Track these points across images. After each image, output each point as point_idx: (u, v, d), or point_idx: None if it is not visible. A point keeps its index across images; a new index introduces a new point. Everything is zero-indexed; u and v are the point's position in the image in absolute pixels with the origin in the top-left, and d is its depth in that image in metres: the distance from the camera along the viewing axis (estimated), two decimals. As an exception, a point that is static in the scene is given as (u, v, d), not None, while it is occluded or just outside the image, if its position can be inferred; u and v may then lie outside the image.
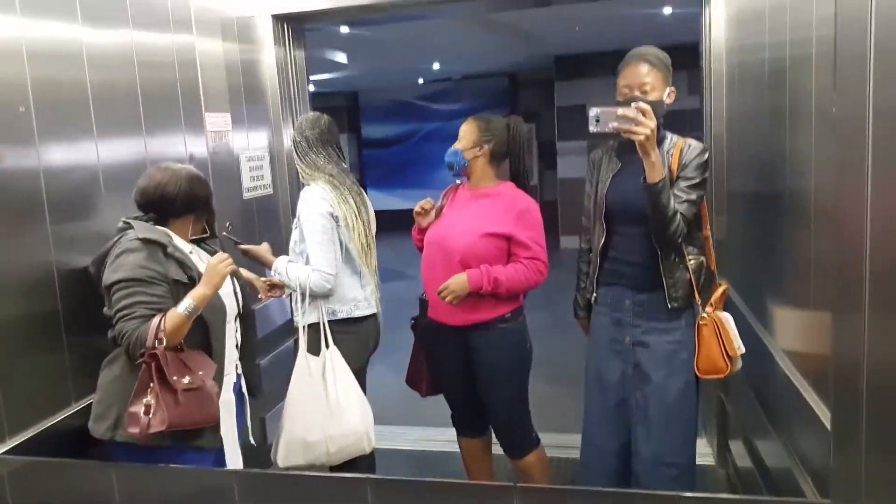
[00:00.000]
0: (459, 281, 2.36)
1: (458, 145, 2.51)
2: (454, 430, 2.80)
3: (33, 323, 1.91)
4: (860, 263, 1.24)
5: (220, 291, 1.96)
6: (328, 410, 2.39)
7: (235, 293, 2.11)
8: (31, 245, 1.91)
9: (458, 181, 2.65)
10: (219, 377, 1.96)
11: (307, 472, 1.45)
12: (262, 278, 2.51)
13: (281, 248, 3.40)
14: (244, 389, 2.19)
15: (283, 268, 2.49)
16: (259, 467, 2.50)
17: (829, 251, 1.42)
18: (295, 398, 2.42)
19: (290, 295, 2.60)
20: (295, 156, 2.60)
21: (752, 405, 2.30)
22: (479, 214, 2.46)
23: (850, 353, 1.27)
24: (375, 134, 11.74)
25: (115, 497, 1.40)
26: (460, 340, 2.51)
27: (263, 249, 2.59)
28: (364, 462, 2.54)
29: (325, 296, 2.48)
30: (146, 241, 1.88)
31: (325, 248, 2.43)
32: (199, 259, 2.03)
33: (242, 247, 2.56)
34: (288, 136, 3.30)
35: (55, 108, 1.99)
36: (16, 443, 1.78)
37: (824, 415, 1.57)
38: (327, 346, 2.46)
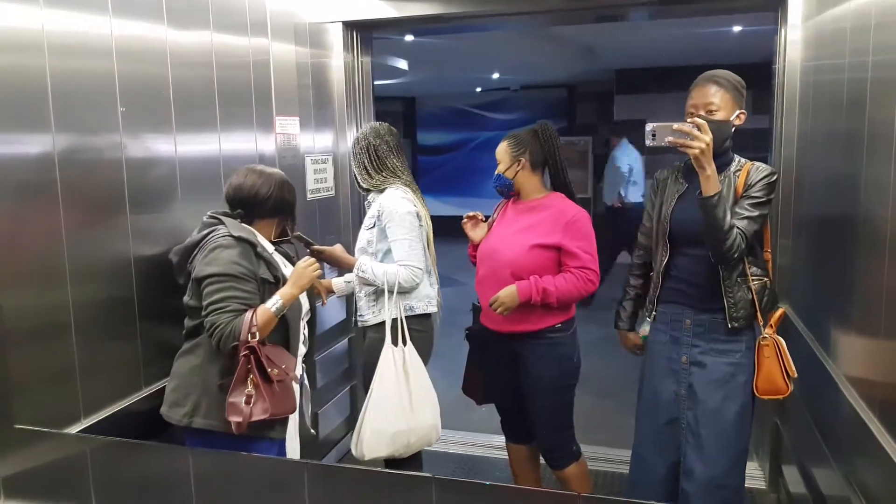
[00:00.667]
0: (509, 293, 2.40)
1: (499, 168, 2.57)
2: (502, 436, 2.83)
3: (111, 310, 2.00)
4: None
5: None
6: (410, 403, 2.47)
7: (309, 295, 2.20)
8: (112, 235, 2.01)
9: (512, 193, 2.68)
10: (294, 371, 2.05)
11: (377, 469, 1.49)
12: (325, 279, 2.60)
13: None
14: (306, 383, 2.26)
15: (369, 266, 2.53)
16: (314, 458, 2.56)
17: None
18: (382, 391, 2.45)
19: (353, 295, 2.68)
20: (366, 159, 2.65)
21: (809, 430, 2.26)
22: (527, 226, 2.51)
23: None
24: (431, 140, 11.81)
25: (190, 481, 1.46)
26: (509, 348, 2.55)
27: (338, 250, 2.62)
28: (411, 461, 2.61)
29: (411, 290, 2.56)
30: (239, 239, 1.96)
31: (413, 244, 2.53)
32: (279, 260, 2.11)
33: (316, 248, 2.57)
34: (351, 141, 3.38)
35: (139, 103, 2.08)
36: (90, 423, 1.88)
37: (889, 444, 1.55)
38: (405, 341, 2.52)
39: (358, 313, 2.64)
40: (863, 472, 1.75)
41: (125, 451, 1.62)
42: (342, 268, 2.57)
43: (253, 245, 1.97)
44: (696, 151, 1.93)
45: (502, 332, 2.52)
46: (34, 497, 1.73)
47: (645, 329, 2.42)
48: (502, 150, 2.57)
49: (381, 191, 2.63)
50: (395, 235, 2.53)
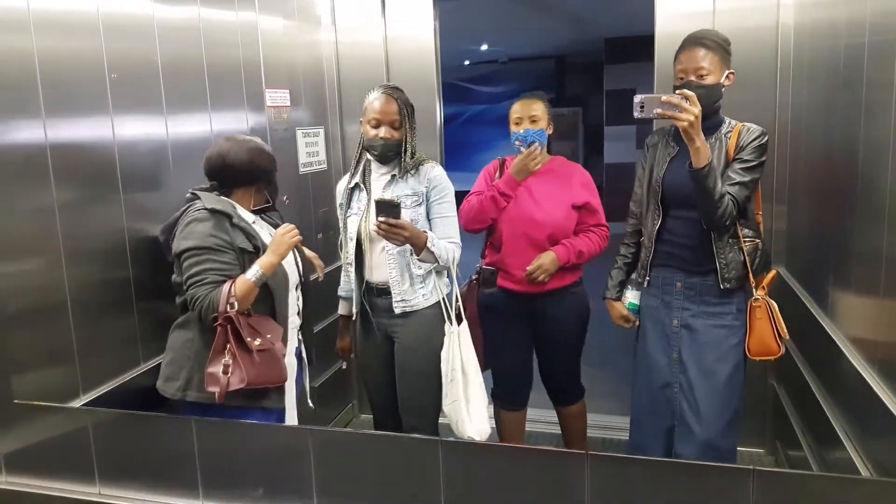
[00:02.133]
0: (550, 259, 2.51)
1: (539, 125, 2.58)
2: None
3: (107, 288, 1.99)
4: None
5: (284, 261, 2.01)
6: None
7: (297, 264, 2.15)
8: (105, 214, 1.99)
9: (500, 158, 2.76)
10: (283, 341, 2.02)
11: (381, 433, 1.49)
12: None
13: (333, 223, 3.46)
14: (304, 355, 2.25)
15: (440, 242, 2.27)
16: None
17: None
18: (473, 368, 2.35)
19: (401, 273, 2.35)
20: (412, 135, 2.35)
21: (807, 391, 2.28)
22: (554, 188, 2.59)
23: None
24: (419, 115, 11.71)
25: (193, 451, 1.46)
26: (528, 308, 2.64)
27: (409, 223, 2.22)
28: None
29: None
30: (213, 211, 1.94)
31: (457, 223, 2.42)
32: (262, 229, 2.09)
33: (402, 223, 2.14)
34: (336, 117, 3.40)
35: (128, 81, 2.04)
36: (89, 398, 1.88)
37: (891, 402, 1.56)
38: (460, 319, 2.39)
39: (398, 298, 2.33)
40: (864, 431, 1.77)
41: (126, 423, 1.62)
42: (411, 242, 2.18)
43: (228, 216, 1.96)
44: (685, 124, 1.93)
45: (530, 293, 2.59)
46: (36, 472, 1.72)
47: (628, 296, 2.44)
48: (542, 110, 2.59)
49: (419, 165, 2.35)
50: (448, 211, 2.35)
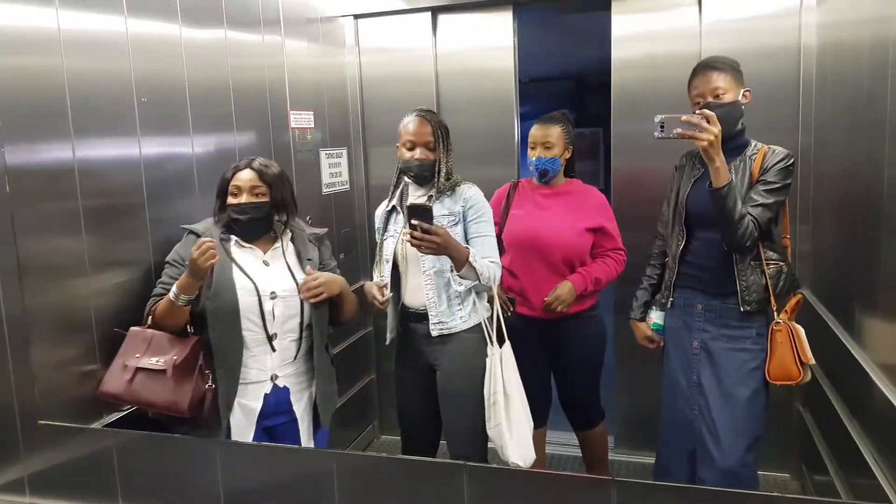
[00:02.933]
0: (567, 289, 2.50)
1: (552, 153, 2.55)
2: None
3: (130, 306, 2.00)
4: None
5: (238, 286, 1.96)
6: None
7: (258, 291, 1.99)
8: (131, 233, 2.02)
9: (513, 181, 2.75)
10: (230, 377, 1.95)
11: (404, 457, 1.48)
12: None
13: (355, 243, 3.48)
14: (297, 409, 2.09)
15: (477, 257, 2.19)
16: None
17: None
18: (516, 392, 2.30)
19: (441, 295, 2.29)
20: (447, 156, 2.32)
21: (835, 416, 2.24)
22: (566, 210, 2.58)
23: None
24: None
25: (217, 473, 1.46)
26: (547, 335, 2.63)
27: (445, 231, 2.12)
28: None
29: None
30: (190, 231, 2.05)
31: (496, 242, 2.35)
32: (242, 250, 2.06)
33: (425, 226, 2.02)
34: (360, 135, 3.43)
35: (155, 101, 2.07)
36: (113, 418, 1.90)
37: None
38: (502, 340, 2.32)
39: (435, 321, 2.27)
40: (894, 457, 1.73)
41: (150, 444, 1.63)
42: (448, 255, 2.10)
43: (199, 234, 2.00)
44: (705, 143, 1.93)
45: (548, 319, 2.58)
46: (60, 494, 1.74)
47: (652, 317, 2.43)
48: (557, 135, 2.56)
49: (455, 187, 2.31)
50: (485, 230, 2.29)
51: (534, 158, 2.57)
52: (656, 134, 1.98)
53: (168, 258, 2.01)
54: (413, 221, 2.01)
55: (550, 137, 2.55)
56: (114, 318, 1.93)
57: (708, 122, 1.93)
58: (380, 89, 3.41)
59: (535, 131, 2.58)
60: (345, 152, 3.34)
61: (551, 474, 1.39)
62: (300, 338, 2.07)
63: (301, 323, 2.05)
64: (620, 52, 3.07)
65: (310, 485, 1.46)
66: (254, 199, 2.03)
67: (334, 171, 3.24)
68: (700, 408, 2.20)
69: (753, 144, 2.17)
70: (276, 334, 2.01)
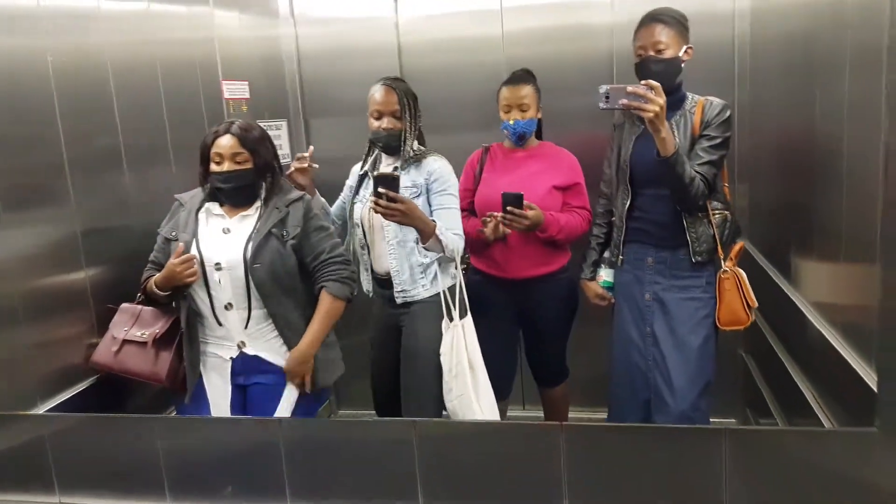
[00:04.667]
0: (537, 214, 2.38)
1: (528, 114, 2.50)
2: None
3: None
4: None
5: (194, 249, 2.01)
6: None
7: (202, 260, 2.01)
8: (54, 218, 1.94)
9: (484, 146, 2.70)
10: (191, 343, 2.06)
11: (358, 420, 1.46)
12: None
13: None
14: (274, 374, 2.10)
15: (444, 230, 2.22)
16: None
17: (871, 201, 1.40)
18: (480, 363, 2.34)
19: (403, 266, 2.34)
20: (417, 118, 2.36)
21: (775, 358, 2.31)
22: (538, 171, 2.55)
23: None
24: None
25: (157, 450, 1.41)
26: (520, 295, 2.60)
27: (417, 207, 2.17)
28: None
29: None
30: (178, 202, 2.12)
31: (459, 215, 2.37)
32: (208, 219, 2.07)
33: (392, 194, 2.07)
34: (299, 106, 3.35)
35: (71, 72, 1.96)
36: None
37: (855, 362, 1.58)
38: (463, 312, 2.36)
39: (398, 289, 2.34)
40: (829, 390, 1.80)
41: (87, 426, 1.56)
42: (414, 226, 2.14)
43: (182, 204, 2.09)
44: (651, 115, 1.93)
45: (517, 280, 2.56)
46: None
47: (602, 275, 2.45)
48: (530, 95, 2.49)
49: (422, 158, 2.32)
50: (450, 203, 2.31)
51: (511, 122, 2.50)
52: (601, 105, 1.97)
53: (159, 229, 2.10)
54: (379, 190, 2.04)
55: (525, 98, 2.48)
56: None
57: (653, 91, 1.92)
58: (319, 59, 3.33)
59: (508, 94, 2.50)
60: (284, 125, 3.26)
61: (502, 424, 1.40)
62: (249, 307, 2.03)
63: (248, 292, 2.02)
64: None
65: (257, 454, 1.42)
66: (236, 167, 2.01)
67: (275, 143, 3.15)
68: (655, 357, 2.24)
69: (691, 98, 2.20)
70: (230, 304, 2.03)
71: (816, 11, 1.94)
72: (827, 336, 1.78)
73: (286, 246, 2.02)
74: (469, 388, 2.26)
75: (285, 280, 2.04)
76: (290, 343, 2.06)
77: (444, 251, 2.22)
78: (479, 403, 2.27)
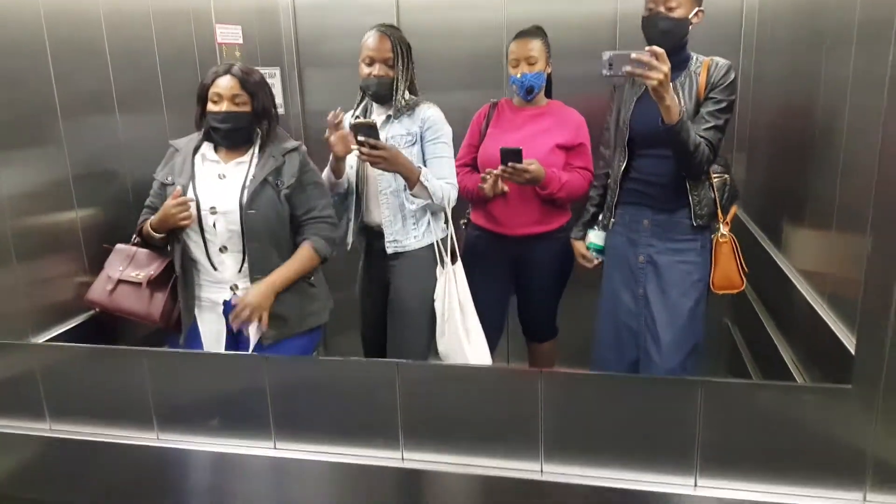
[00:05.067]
0: (538, 167, 2.38)
1: (536, 68, 2.47)
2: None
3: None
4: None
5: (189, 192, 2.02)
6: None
7: (198, 204, 2.02)
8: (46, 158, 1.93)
9: (492, 101, 2.68)
10: (186, 284, 2.08)
11: (335, 358, 1.47)
12: None
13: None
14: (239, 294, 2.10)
15: (433, 178, 2.24)
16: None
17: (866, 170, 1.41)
18: (471, 310, 2.39)
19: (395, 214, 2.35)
20: (412, 67, 2.34)
21: (760, 326, 2.33)
22: (544, 129, 2.53)
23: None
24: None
25: (146, 383, 1.43)
26: (515, 251, 2.62)
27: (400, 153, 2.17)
28: None
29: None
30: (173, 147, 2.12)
31: (453, 164, 2.37)
32: (205, 163, 2.07)
33: (373, 142, 2.08)
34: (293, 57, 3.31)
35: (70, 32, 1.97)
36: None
37: (839, 330, 1.60)
38: (454, 259, 2.39)
39: (390, 239, 2.33)
40: (814, 359, 1.82)
41: (77, 357, 1.58)
42: (398, 172, 2.16)
43: (177, 149, 2.09)
44: (655, 82, 1.89)
45: (516, 236, 2.57)
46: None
47: (590, 236, 2.46)
48: (539, 49, 2.46)
49: (415, 107, 2.32)
50: (443, 152, 2.30)
51: (518, 76, 2.48)
52: (604, 72, 1.92)
53: (155, 174, 2.10)
54: (360, 138, 2.06)
55: (533, 51, 2.45)
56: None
57: (657, 59, 1.88)
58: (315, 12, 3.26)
59: (516, 47, 2.47)
60: (278, 73, 3.21)
61: (483, 367, 1.42)
62: (244, 251, 2.04)
63: (243, 238, 2.03)
64: None
65: (243, 390, 1.45)
66: (235, 108, 2.00)
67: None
68: (646, 319, 2.25)
69: (696, 58, 2.16)
70: (225, 247, 2.04)
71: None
72: (814, 305, 1.79)
73: (280, 195, 2.03)
74: (459, 329, 2.30)
75: (277, 229, 2.05)
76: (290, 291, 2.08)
77: (431, 198, 2.21)
78: (468, 340, 2.31)
